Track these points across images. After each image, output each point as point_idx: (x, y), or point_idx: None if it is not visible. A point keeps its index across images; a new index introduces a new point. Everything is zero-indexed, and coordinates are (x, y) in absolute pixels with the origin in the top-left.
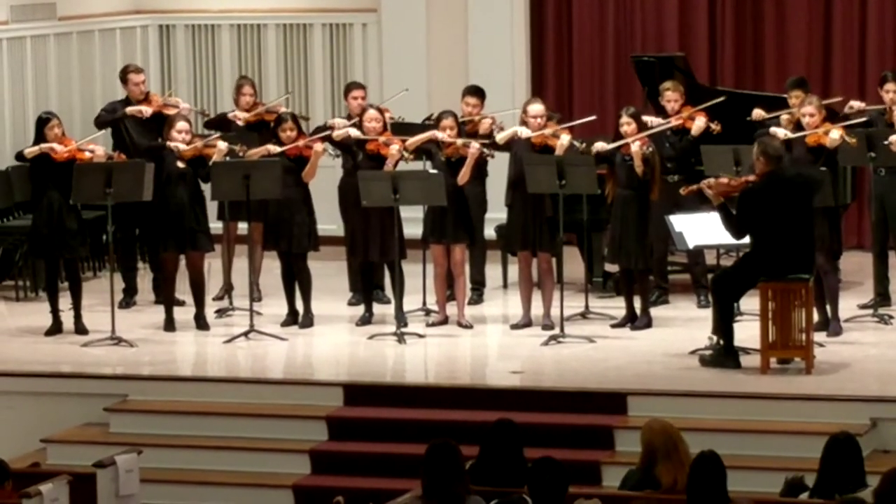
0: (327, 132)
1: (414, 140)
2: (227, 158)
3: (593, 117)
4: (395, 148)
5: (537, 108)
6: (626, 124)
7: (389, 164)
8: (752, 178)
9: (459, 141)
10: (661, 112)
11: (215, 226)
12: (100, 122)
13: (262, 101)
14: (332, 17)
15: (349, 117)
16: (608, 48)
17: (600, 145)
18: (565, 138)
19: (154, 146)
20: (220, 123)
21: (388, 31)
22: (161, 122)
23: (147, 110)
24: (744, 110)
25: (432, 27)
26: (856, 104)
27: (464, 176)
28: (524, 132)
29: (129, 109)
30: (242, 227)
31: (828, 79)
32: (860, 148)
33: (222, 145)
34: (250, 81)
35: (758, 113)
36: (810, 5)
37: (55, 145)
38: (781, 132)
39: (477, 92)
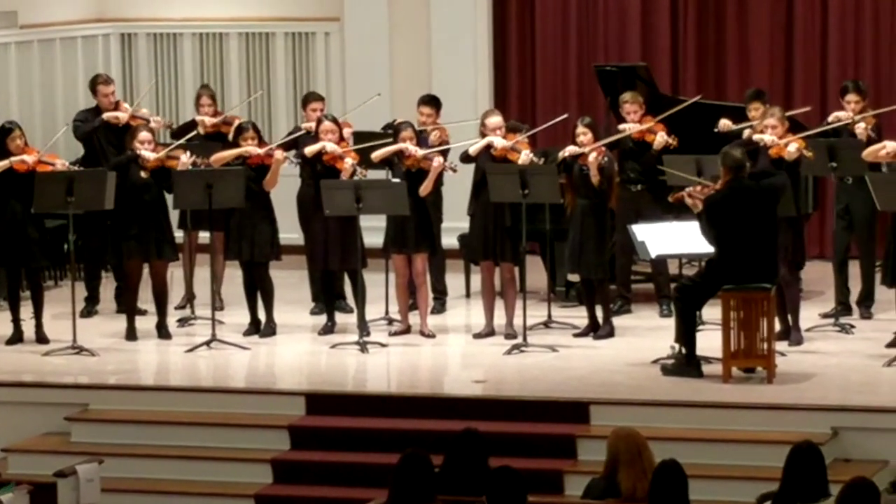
0: (295, 135)
1: (381, 152)
2: (190, 168)
3: (565, 116)
4: (349, 162)
5: (496, 119)
6: (583, 134)
7: (344, 178)
8: (716, 186)
9: (420, 153)
10: (623, 122)
11: (176, 235)
12: (80, 135)
13: (222, 111)
14: (295, 27)
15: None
16: (571, 58)
17: (571, 149)
18: (525, 153)
19: (124, 159)
20: (188, 131)
21: (351, 41)
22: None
23: (123, 116)
24: (706, 120)
25: (395, 36)
26: (842, 114)
27: (426, 188)
28: (499, 142)
29: (106, 116)
30: (204, 236)
31: (790, 89)
32: (821, 158)
33: (185, 158)
34: (209, 92)
35: (724, 123)
36: (772, 16)
37: (25, 157)
38: (769, 138)
39: (431, 101)
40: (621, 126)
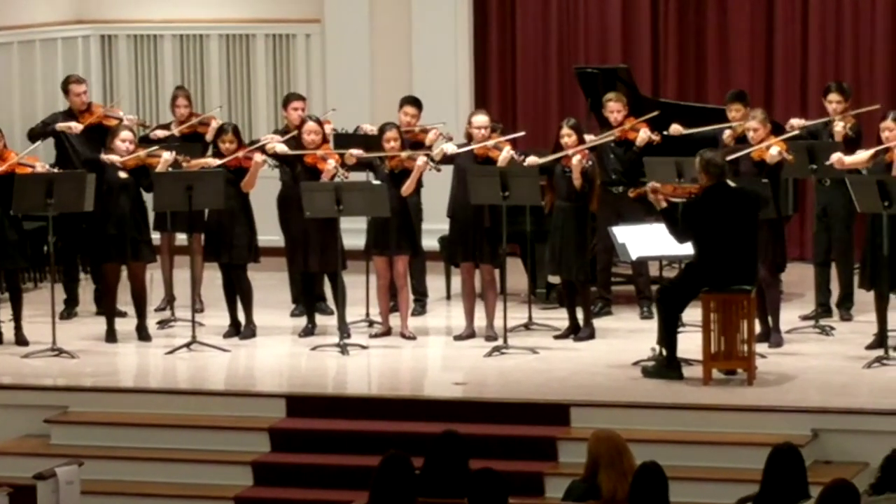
0: (262, 143)
1: (364, 157)
2: (171, 169)
3: (522, 133)
4: (331, 163)
5: (482, 119)
6: (567, 136)
7: (325, 179)
8: (694, 189)
9: (404, 154)
10: (605, 123)
11: (153, 237)
12: (33, 135)
13: (198, 113)
14: (275, 28)
15: (287, 129)
16: (552, 59)
17: (532, 160)
18: (506, 151)
19: (92, 160)
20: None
21: (332, 42)
22: (103, 133)
23: (77, 126)
24: (686, 122)
25: (376, 38)
26: (796, 122)
27: (408, 188)
28: (451, 148)
29: (59, 126)
30: (181, 237)
31: (770, 90)
32: (802, 160)
33: (167, 156)
34: (185, 92)
35: (675, 128)
36: (752, 17)
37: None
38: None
39: (414, 102)
40: (590, 138)
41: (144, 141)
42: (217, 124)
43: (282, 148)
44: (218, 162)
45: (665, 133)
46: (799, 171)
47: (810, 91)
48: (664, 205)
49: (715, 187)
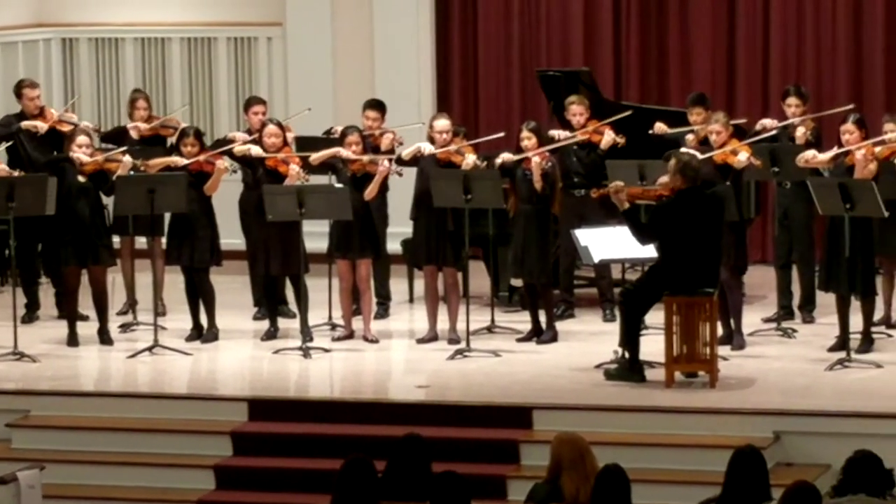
0: (229, 147)
1: (318, 156)
2: (131, 173)
3: (502, 134)
4: (294, 168)
5: (443, 123)
6: (527, 139)
7: (288, 183)
8: (664, 191)
9: (366, 158)
10: (567, 126)
11: (114, 240)
12: None
13: (158, 115)
14: (237, 31)
15: (249, 132)
16: (514, 62)
17: (506, 156)
18: (470, 158)
19: (56, 159)
20: (117, 136)
21: (294, 45)
22: (56, 138)
23: (43, 126)
24: (649, 125)
25: (338, 41)
26: (768, 123)
27: (371, 192)
28: (427, 148)
29: (25, 124)
30: (141, 241)
31: (732, 93)
32: (763, 163)
33: (126, 160)
34: (144, 95)
35: (659, 127)
36: (714, 21)
37: None
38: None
39: (377, 105)
40: (557, 133)
41: (108, 140)
42: (181, 127)
43: (256, 150)
44: (183, 161)
45: (650, 132)
46: (761, 173)
47: (771, 94)
48: (627, 206)
49: (688, 191)
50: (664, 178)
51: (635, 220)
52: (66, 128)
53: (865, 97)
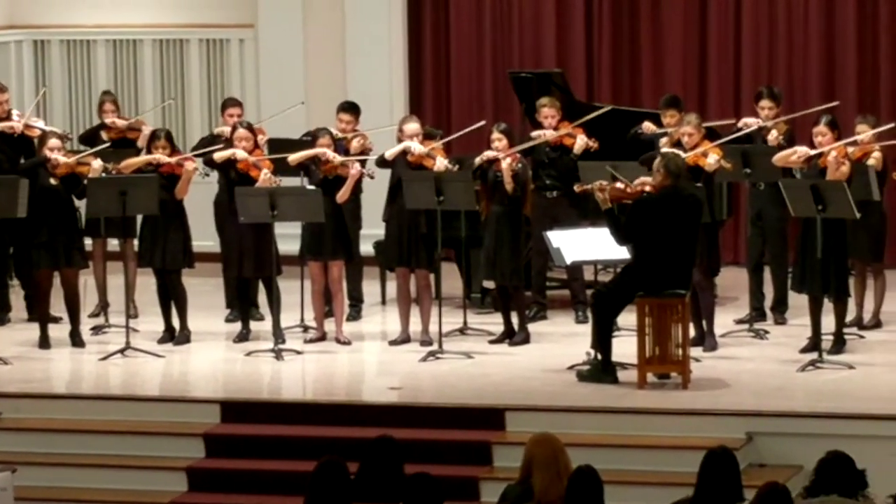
0: (210, 150)
1: (298, 155)
2: (103, 175)
3: (482, 123)
4: (265, 173)
5: (413, 126)
6: (497, 140)
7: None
8: (648, 188)
9: (338, 160)
10: (539, 128)
11: (86, 242)
12: None
13: (126, 117)
14: (209, 33)
15: (212, 135)
16: (486, 64)
17: (488, 154)
18: (441, 161)
19: (33, 163)
20: (94, 136)
21: (265, 47)
22: (23, 142)
23: (18, 126)
24: (621, 126)
25: (309, 43)
26: (751, 121)
27: (343, 195)
28: (416, 147)
29: (1, 126)
30: (113, 243)
31: (704, 95)
32: (736, 164)
33: (97, 164)
34: (112, 98)
35: (648, 126)
36: (686, 22)
37: None
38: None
39: (351, 108)
40: (535, 133)
41: (85, 142)
42: (148, 130)
43: (242, 154)
44: (146, 159)
45: (639, 131)
46: (733, 175)
47: (743, 94)
48: (609, 205)
49: (670, 189)
50: (644, 178)
51: (615, 219)
52: (35, 133)
53: (837, 98)
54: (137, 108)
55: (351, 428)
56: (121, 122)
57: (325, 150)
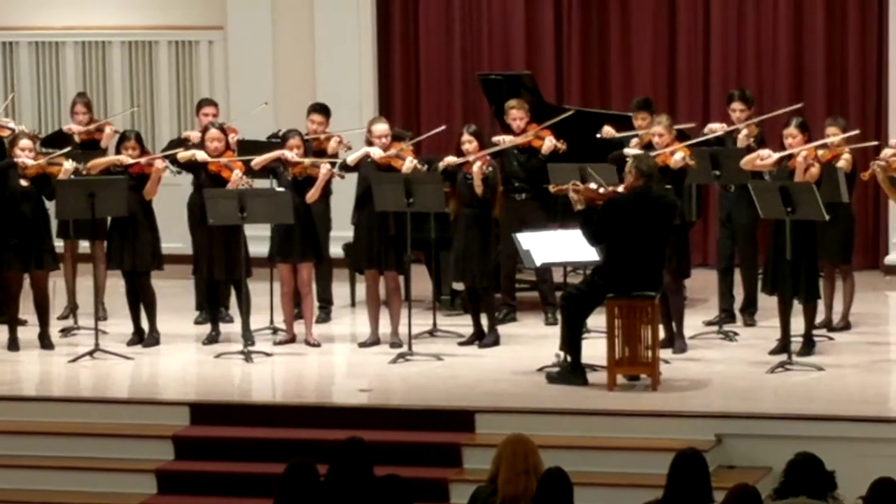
0: (174, 151)
1: (261, 159)
2: (72, 177)
3: (443, 127)
4: (236, 173)
5: (382, 127)
6: (468, 142)
7: (230, 188)
8: (620, 188)
9: (308, 161)
10: (508, 130)
11: (56, 244)
12: None
13: (98, 118)
14: (178, 35)
15: (180, 138)
16: (455, 66)
17: (449, 160)
18: (410, 161)
19: (3, 165)
20: (58, 139)
21: (235, 49)
22: None
23: None
24: (590, 128)
25: (279, 44)
26: (716, 126)
27: (313, 195)
28: (376, 152)
29: None
30: (84, 245)
31: (673, 96)
32: (705, 166)
33: (68, 165)
34: (84, 100)
35: (607, 130)
36: (655, 25)
37: None
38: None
39: (322, 110)
40: (500, 138)
41: (49, 144)
42: (112, 130)
43: (202, 156)
44: (112, 159)
45: (598, 135)
46: (702, 177)
47: (713, 97)
48: (582, 206)
49: (641, 189)
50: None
51: (588, 220)
52: (5, 133)
53: (807, 101)
54: (106, 109)
55: (321, 430)
56: (77, 128)
57: (284, 152)
